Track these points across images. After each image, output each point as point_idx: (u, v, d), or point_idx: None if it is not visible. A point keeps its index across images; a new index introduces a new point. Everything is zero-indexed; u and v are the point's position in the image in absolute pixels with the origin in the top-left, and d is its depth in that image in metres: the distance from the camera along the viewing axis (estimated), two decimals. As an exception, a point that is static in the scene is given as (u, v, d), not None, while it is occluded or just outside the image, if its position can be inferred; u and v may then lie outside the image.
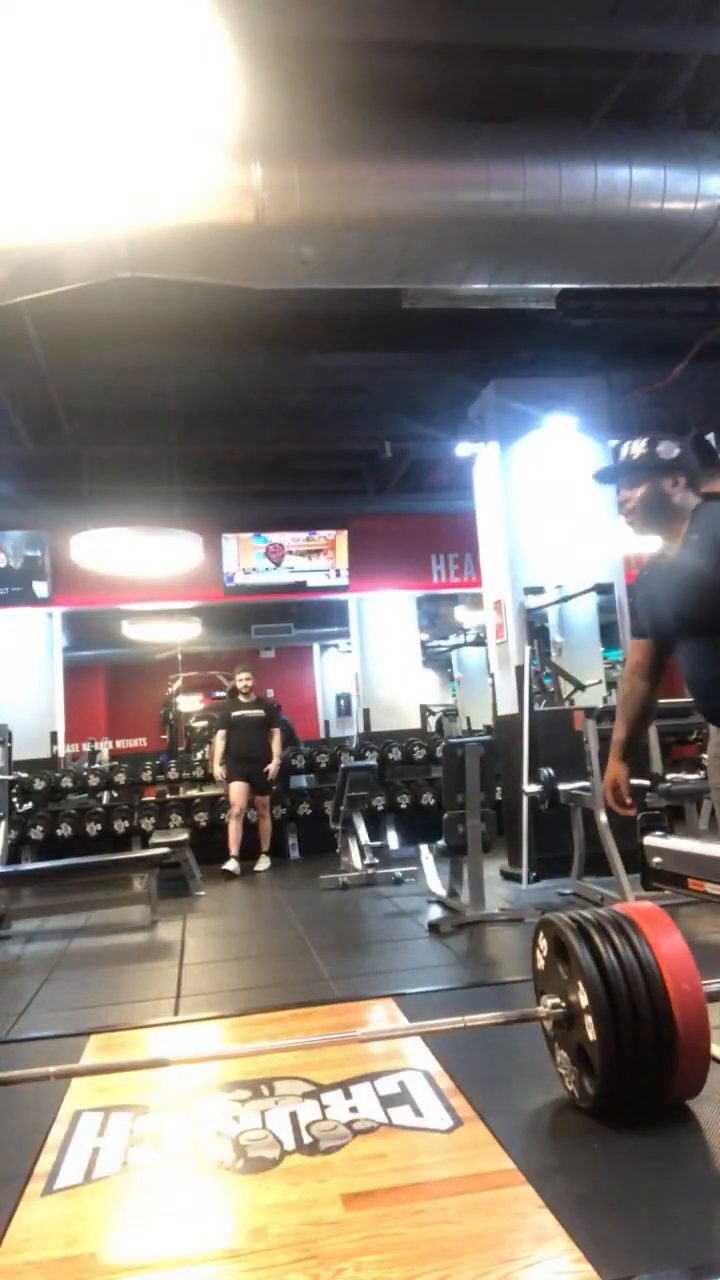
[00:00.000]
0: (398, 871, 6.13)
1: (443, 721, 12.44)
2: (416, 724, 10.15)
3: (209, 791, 8.51)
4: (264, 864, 7.30)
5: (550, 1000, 2.32)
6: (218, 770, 7.34)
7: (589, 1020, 2.14)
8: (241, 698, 7.49)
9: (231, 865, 7.02)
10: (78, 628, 11.77)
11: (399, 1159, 2.10)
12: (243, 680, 7.54)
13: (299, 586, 9.44)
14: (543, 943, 2.44)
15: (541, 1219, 1.78)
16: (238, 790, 7.21)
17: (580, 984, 2.18)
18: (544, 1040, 2.45)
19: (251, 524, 9.28)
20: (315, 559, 9.38)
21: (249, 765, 7.24)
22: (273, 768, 7.27)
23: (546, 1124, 2.26)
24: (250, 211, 3.52)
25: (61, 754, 9.49)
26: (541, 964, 2.45)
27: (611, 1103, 2.14)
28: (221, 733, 7.39)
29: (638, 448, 2.53)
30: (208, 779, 8.73)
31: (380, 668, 10.15)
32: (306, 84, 3.67)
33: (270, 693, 11.00)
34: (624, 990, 2.11)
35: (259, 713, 7.41)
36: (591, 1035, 2.13)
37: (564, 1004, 2.28)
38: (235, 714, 7.40)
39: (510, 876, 5.87)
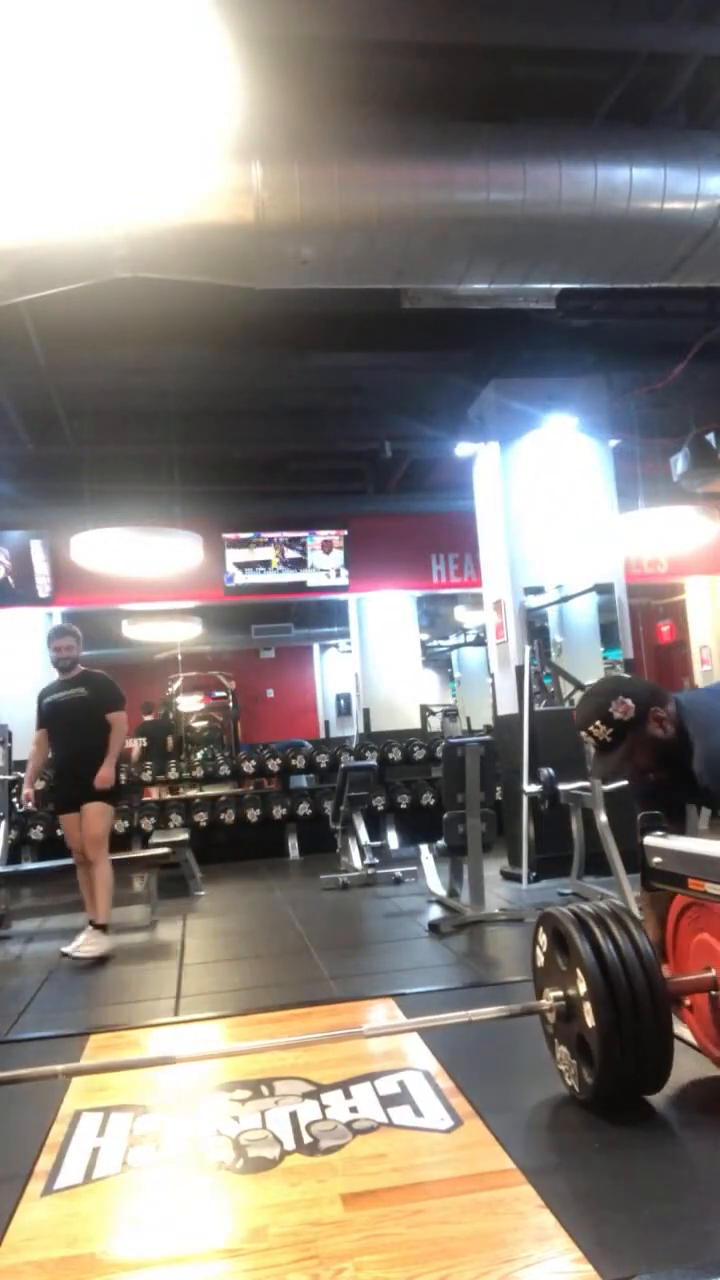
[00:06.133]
0: (398, 871, 6.13)
1: (445, 721, 12.43)
2: (416, 724, 10.15)
3: (209, 791, 8.51)
4: (90, 945, 4.48)
5: (552, 994, 2.33)
6: (27, 792, 4.92)
7: (587, 1007, 2.15)
8: (60, 672, 4.85)
9: (78, 945, 4.49)
10: (78, 627, 11.73)
11: (399, 1159, 2.10)
12: (58, 647, 4.83)
13: (299, 586, 9.44)
14: (542, 938, 2.45)
15: (541, 1219, 1.78)
16: (70, 825, 4.73)
17: (579, 971, 2.20)
18: (544, 1040, 2.45)
19: (251, 524, 9.29)
20: (315, 559, 9.37)
21: (73, 777, 4.69)
22: (102, 770, 4.58)
23: (546, 1123, 2.26)
24: (250, 211, 3.52)
25: (61, 754, 9.46)
26: (541, 960, 2.46)
27: (611, 1087, 2.14)
28: (40, 733, 4.85)
29: (600, 730, 2.45)
30: (208, 779, 8.71)
31: (380, 668, 10.15)
32: (306, 84, 3.67)
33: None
34: (622, 975, 2.13)
35: (78, 692, 4.74)
36: (590, 1021, 2.14)
37: (564, 997, 2.29)
38: (47, 700, 4.83)
39: (510, 876, 5.87)
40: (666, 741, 2.45)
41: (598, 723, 2.46)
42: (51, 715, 4.80)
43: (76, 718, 4.70)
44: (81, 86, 2.73)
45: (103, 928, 4.57)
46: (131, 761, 9.21)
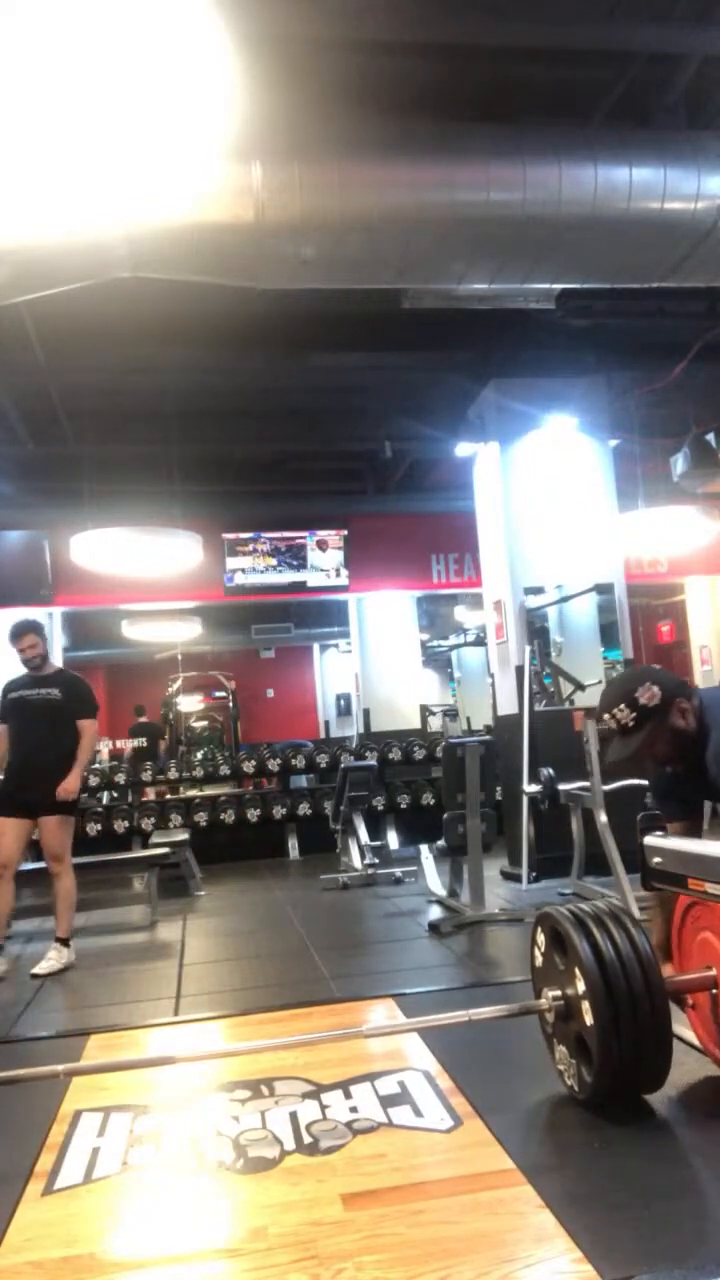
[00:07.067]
0: (398, 871, 6.13)
1: (445, 721, 12.40)
2: (416, 724, 10.15)
3: (209, 791, 8.51)
4: (50, 963, 4.30)
5: (550, 993, 2.33)
6: None
7: (586, 1006, 2.15)
8: (30, 671, 4.57)
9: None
10: (78, 628, 11.76)
11: (399, 1159, 2.10)
12: (23, 647, 4.52)
13: (299, 586, 9.44)
14: (540, 937, 2.45)
15: (541, 1219, 1.78)
16: (9, 832, 4.35)
17: (577, 970, 2.20)
18: (543, 1040, 2.45)
19: (251, 524, 9.29)
20: (315, 559, 9.38)
21: (31, 782, 4.36)
22: (69, 780, 4.35)
23: (547, 1123, 2.26)
24: (250, 211, 3.52)
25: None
26: (539, 959, 2.46)
27: (609, 1086, 2.14)
28: (1, 729, 4.56)
29: (624, 714, 2.45)
30: (208, 779, 8.71)
31: (380, 668, 10.15)
32: (306, 84, 3.68)
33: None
34: (620, 973, 2.13)
35: (51, 693, 4.50)
36: (589, 1020, 2.14)
37: (562, 997, 2.29)
38: (14, 695, 4.56)
39: (510, 876, 5.87)
40: (687, 733, 2.46)
41: (622, 705, 2.46)
42: (15, 711, 4.51)
43: (45, 720, 4.45)
44: (82, 87, 2.73)
45: (64, 941, 4.41)
46: (125, 759, 9.22)
